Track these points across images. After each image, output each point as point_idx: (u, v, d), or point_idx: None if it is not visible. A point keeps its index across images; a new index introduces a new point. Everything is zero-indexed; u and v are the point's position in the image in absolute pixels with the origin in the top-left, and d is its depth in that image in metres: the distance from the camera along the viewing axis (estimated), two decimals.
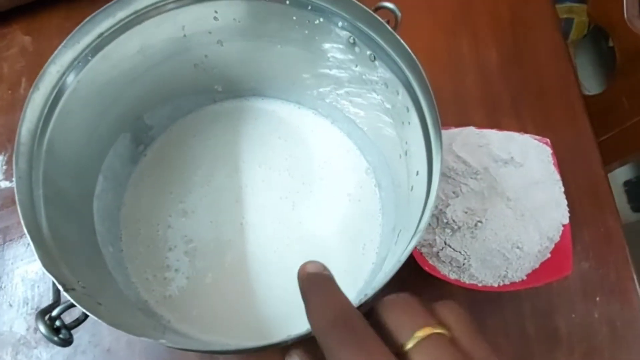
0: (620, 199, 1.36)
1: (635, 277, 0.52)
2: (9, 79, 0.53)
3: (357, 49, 0.36)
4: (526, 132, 0.53)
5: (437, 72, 0.59)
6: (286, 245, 0.42)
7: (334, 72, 0.40)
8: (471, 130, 0.50)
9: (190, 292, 0.40)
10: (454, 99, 0.58)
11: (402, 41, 0.31)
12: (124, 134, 0.40)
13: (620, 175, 1.34)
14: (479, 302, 0.49)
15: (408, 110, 0.34)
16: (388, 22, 0.35)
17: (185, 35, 0.37)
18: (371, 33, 0.34)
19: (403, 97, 0.33)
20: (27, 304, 0.45)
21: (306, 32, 0.37)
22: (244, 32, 0.38)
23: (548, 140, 0.49)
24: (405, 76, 0.33)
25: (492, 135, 0.49)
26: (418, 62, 0.31)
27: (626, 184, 1.34)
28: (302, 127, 0.46)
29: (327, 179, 0.45)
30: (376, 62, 0.35)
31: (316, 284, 0.23)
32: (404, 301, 0.23)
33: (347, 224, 0.43)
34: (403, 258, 0.27)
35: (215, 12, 0.36)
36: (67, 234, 0.31)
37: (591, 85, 0.67)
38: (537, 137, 0.50)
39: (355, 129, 0.44)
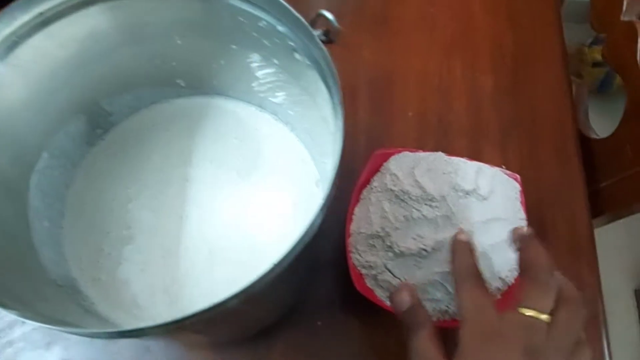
0: None
1: (605, 338, 0.48)
2: None
3: (297, 56, 0.35)
4: (509, 166, 0.51)
5: (425, 92, 0.58)
6: (221, 245, 0.42)
7: (282, 78, 0.40)
8: (440, 155, 0.48)
9: (120, 278, 0.41)
10: (438, 123, 0.56)
11: (325, 51, 0.31)
12: (79, 115, 0.42)
13: None
14: None
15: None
16: (329, 32, 0.34)
17: (139, 26, 0.38)
18: (306, 41, 0.33)
19: (329, 114, 0.33)
20: None
21: (254, 34, 0.37)
22: (198, 29, 0.39)
23: (518, 176, 0.47)
24: (330, 91, 0.32)
25: (461, 164, 0.47)
26: (336, 78, 0.30)
27: None
28: (260, 130, 0.46)
29: (276, 184, 0.45)
30: (313, 72, 0.34)
31: (460, 248, 0.38)
32: (545, 278, 0.34)
33: (286, 233, 0.43)
34: (276, 260, 0.26)
35: (168, 6, 0.37)
36: None
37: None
38: (507, 171, 0.47)
39: (310, 139, 0.44)
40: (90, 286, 0.40)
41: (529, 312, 0.32)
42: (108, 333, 0.26)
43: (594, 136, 0.65)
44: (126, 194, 0.44)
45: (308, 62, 0.34)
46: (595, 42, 1.38)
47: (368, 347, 0.46)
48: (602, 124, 0.68)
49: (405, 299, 0.36)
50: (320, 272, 0.49)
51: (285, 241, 0.41)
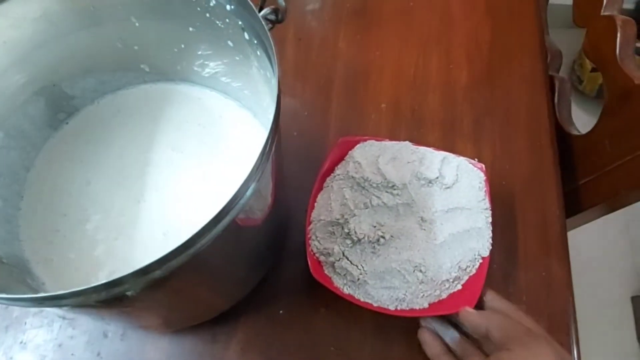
0: None
1: (574, 333, 0.47)
2: None
3: (246, 35, 0.35)
4: (482, 158, 0.50)
5: (400, 84, 0.57)
6: (178, 229, 0.42)
7: (239, 61, 0.39)
8: (406, 145, 0.47)
9: (72, 261, 0.41)
10: (411, 115, 0.56)
11: (264, 25, 0.30)
12: (37, 97, 0.42)
13: None
14: (387, 327, 0.46)
15: None
16: (278, 11, 0.34)
17: (93, 7, 0.38)
18: (250, 19, 0.33)
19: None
20: None
21: (207, 15, 0.37)
22: (153, 10, 0.39)
23: (483, 165, 0.46)
24: (272, 68, 0.32)
25: (427, 153, 0.47)
26: (274, 53, 0.30)
27: None
28: (224, 116, 0.46)
29: (237, 170, 0.44)
30: (260, 51, 0.34)
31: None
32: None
33: None
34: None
35: None
36: None
37: None
38: (472, 160, 0.46)
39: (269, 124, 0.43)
40: (42, 267, 0.40)
41: None
42: (32, 299, 0.25)
43: (574, 132, 0.64)
44: (86, 177, 0.43)
45: (255, 41, 0.34)
46: None
47: (329, 338, 0.45)
48: None
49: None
50: (284, 260, 0.48)
51: None
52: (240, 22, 0.35)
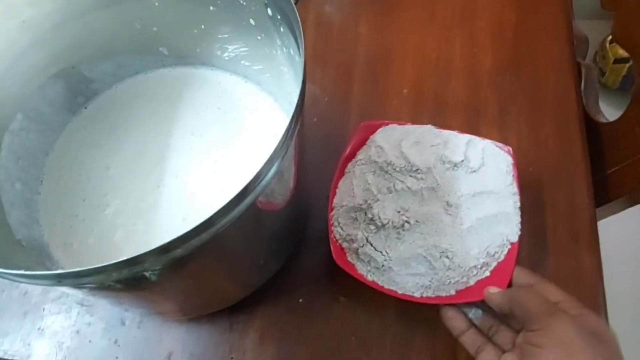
0: None
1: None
2: None
3: (269, 11, 0.34)
4: (507, 144, 0.48)
5: (422, 69, 0.56)
6: (196, 214, 0.41)
7: (261, 41, 0.38)
8: (429, 128, 0.46)
9: (92, 245, 0.40)
10: (434, 100, 0.54)
11: (292, 3, 0.29)
12: (56, 79, 0.41)
13: None
14: (409, 316, 0.44)
15: None
16: None
17: None
18: None
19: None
20: None
21: None
22: None
23: (510, 148, 0.44)
24: (297, 44, 0.31)
25: (451, 137, 0.45)
26: (300, 27, 0.29)
27: None
28: (244, 101, 0.45)
29: (258, 157, 0.43)
30: (284, 27, 0.33)
31: None
32: None
33: None
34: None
35: None
36: None
37: None
38: (498, 143, 0.45)
39: (291, 108, 0.42)
40: (61, 251, 0.39)
41: None
42: (51, 275, 0.25)
43: (602, 120, 0.62)
44: (105, 162, 0.43)
45: (279, 16, 0.33)
46: None
47: (350, 327, 0.44)
48: None
49: None
50: (304, 249, 0.47)
51: None
52: None
